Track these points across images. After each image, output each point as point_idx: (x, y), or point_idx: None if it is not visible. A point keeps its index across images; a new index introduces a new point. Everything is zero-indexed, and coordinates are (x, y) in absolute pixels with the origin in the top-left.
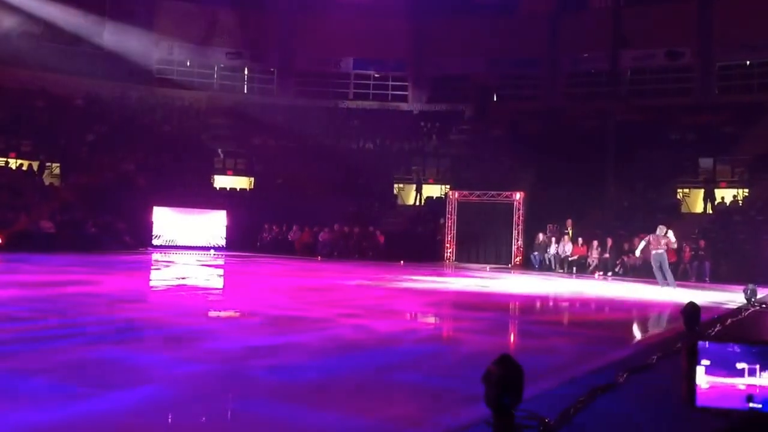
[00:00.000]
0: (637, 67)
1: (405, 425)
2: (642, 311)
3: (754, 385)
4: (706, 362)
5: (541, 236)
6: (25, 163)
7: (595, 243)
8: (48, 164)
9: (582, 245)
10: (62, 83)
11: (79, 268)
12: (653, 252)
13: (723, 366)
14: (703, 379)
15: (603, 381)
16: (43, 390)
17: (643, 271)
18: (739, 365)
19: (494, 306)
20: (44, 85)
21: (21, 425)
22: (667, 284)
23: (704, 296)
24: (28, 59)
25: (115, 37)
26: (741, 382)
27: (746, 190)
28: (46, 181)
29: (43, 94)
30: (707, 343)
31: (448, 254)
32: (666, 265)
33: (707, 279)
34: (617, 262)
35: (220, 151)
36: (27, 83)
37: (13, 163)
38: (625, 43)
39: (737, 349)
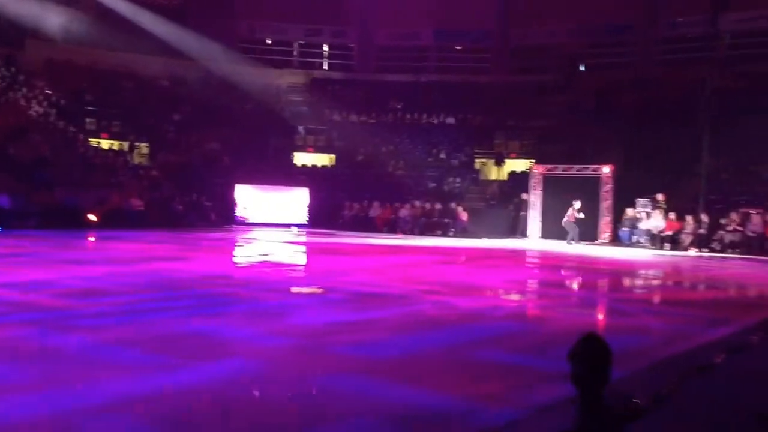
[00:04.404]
0: (738, 30)
1: (488, 402)
2: (741, 289)
3: None
4: None
5: (630, 211)
6: (116, 144)
7: (690, 217)
8: (137, 144)
9: (675, 220)
10: (149, 65)
11: (168, 244)
12: None
13: None
14: None
15: (699, 362)
16: (136, 361)
17: (742, 247)
18: None
19: (581, 283)
20: (132, 66)
21: (115, 394)
22: None
23: None
24: (116, 42)
25: (197, 19)
26: None
27: None
28: (135, 160)
29: (131, 76)
30: None
31: (532, 230)
32: None
33: None
34: (714, 237)
35: (300, 128)
36: (116, 65)
37: (105, 144)
38: (726, 5)
39: None
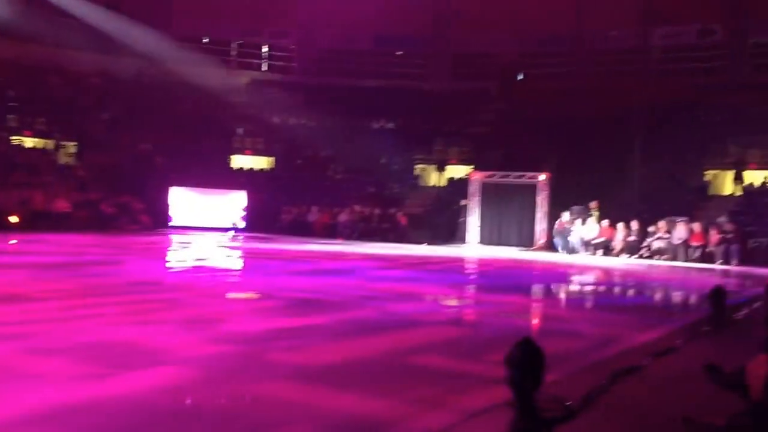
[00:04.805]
0: (667, 44)
1: (426, 407)
2: (667, 294)
3: None
4: None
5: (564, 218)
6: (41, 142)
7: (621, 225)
8: (63, 143)
9: (607, 227)
10: (77, 60)
11: (96, 248)
12: None
13: None
14: None
15: (627, 365)
16: (61, 370)
17: (668, 254)
18: None
19: (517, 288)
20: (59, 61)
21: (40, 405)
22: None
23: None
24: (43, 35)
25: (132, 13)
26: None
27: None
28: (62, 160)
29: (58, 71)
30: None
31: (471, 236)
32: None
33: (734, 262)
34: (643, 244)
35: (239, 130)
36: (42, 60)
37: (29, 142)
38: (655, 20)
39: None
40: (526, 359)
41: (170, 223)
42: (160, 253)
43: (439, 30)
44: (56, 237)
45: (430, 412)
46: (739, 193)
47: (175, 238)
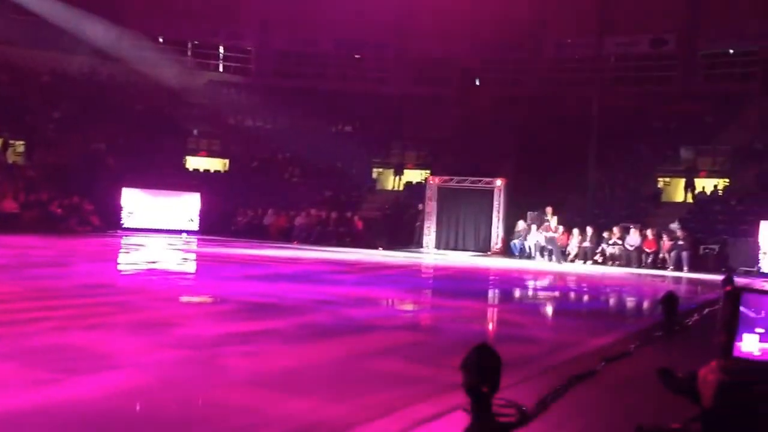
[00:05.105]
0: (621, 53)
1: (381, 413)
2: (621, 300)
3: None
4: (760, 330)
5: (521, 223)
6: None
7: (576, 231)
8: (12, 142)
9: (562, 233)
10: (28, 57)
11: (45, 250)
12: None
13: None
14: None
15: (581, 369)
16: (10, 376)
17: (621, 260)
18: None
19: (473, 294)
20: (8, 58)
21: None
22: None
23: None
24: None
25: (84, 11)
26: None
27: (726, 180)
28: (10, 159)
29: (7, 68)
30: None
31: (428, 240)
32: None
33: (686, 268)
34: (597, 250)
35: (195, 131)
36: None
37: None
38: (611, 29)
39: None
40: (483, 364)
41: (122, 225)
42: (112, 256)
43: (399, 34)
44: (3, 238)
45: (385, 417)
46: (690, 200)
47: (127, 240)
